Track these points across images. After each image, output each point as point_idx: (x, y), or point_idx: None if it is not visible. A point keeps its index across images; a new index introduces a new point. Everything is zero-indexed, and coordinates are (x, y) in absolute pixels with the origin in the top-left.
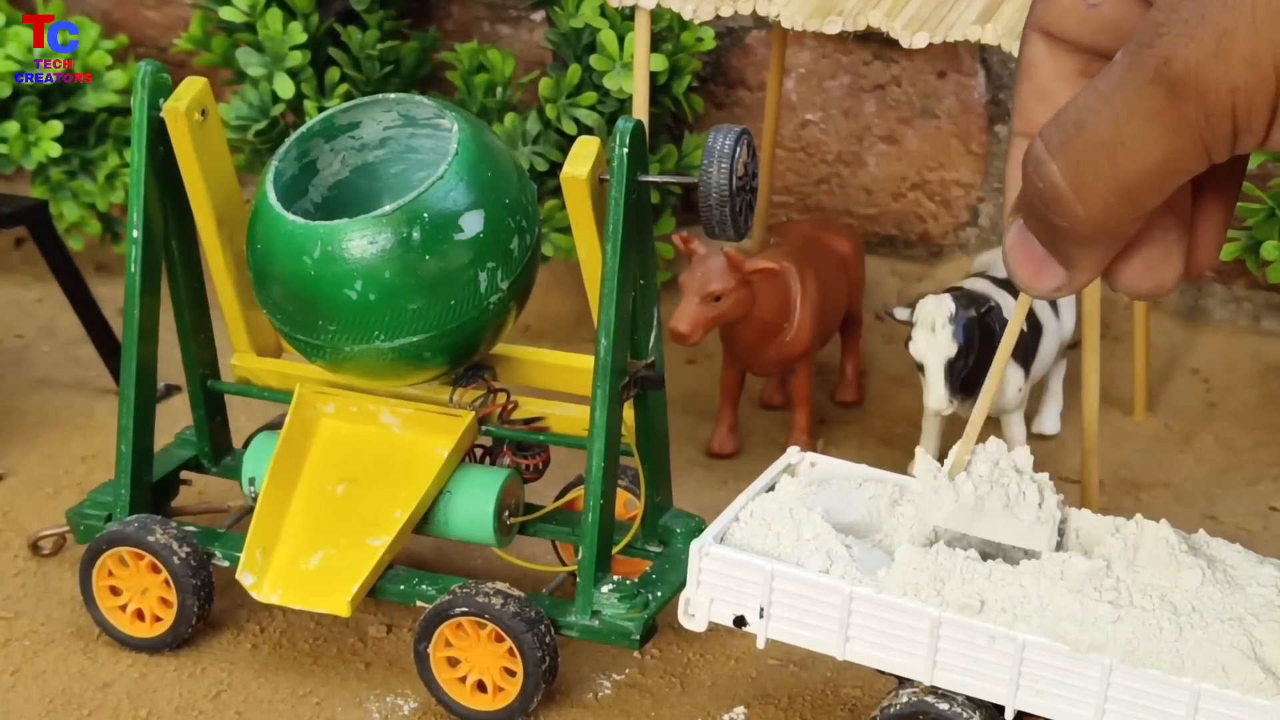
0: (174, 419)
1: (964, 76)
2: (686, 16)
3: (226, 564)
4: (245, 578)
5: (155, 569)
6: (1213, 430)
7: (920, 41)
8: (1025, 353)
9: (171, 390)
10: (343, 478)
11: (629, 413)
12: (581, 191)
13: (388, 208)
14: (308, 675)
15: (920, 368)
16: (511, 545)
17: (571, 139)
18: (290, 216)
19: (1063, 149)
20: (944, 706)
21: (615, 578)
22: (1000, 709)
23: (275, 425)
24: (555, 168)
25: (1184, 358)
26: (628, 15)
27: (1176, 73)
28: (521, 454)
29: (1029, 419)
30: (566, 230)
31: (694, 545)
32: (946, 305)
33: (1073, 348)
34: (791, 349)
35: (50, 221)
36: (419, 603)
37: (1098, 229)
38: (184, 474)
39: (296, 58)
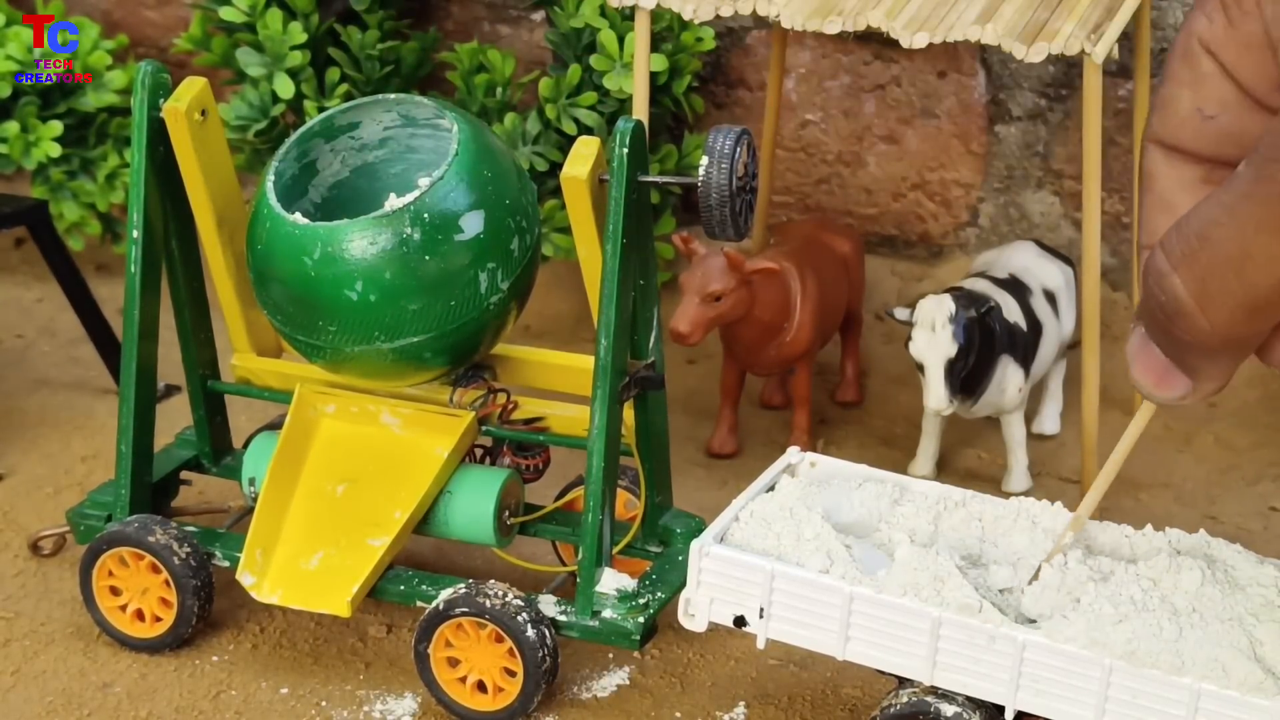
0: (174, 419)
1: (964, 76)
2: (686, 16)
3: (226, 564)
4: (245, 578)
5: (155, 569)
6: (1213, 430)
7: (920, 41)
8: (1025, 353)
9: (171, 390)
10: (343, 478)
11: (629, 413)
12: (581, 191)
13: (388, 208)
14: (308, 675)
15: (920, 368)
16: (511, 545)
17: (571, 139)
18: (290, 217)
19: (1185, 262)
20: (944, 706)
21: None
22: (1000, 709)
23: (275, 425)
24: (555, 168)
25: None
26: (628, 15)
27: None
28: (521, 454)
29: (1029, 419)
30: (566, 230)
31: (694, 545)
32: (946, 305)
33: (1073, 348)
34: (791, 349)
35: (50, 221)
36: (419, 603)
37: (1224, 342)
38: (184, 474)
39: (296, 58)
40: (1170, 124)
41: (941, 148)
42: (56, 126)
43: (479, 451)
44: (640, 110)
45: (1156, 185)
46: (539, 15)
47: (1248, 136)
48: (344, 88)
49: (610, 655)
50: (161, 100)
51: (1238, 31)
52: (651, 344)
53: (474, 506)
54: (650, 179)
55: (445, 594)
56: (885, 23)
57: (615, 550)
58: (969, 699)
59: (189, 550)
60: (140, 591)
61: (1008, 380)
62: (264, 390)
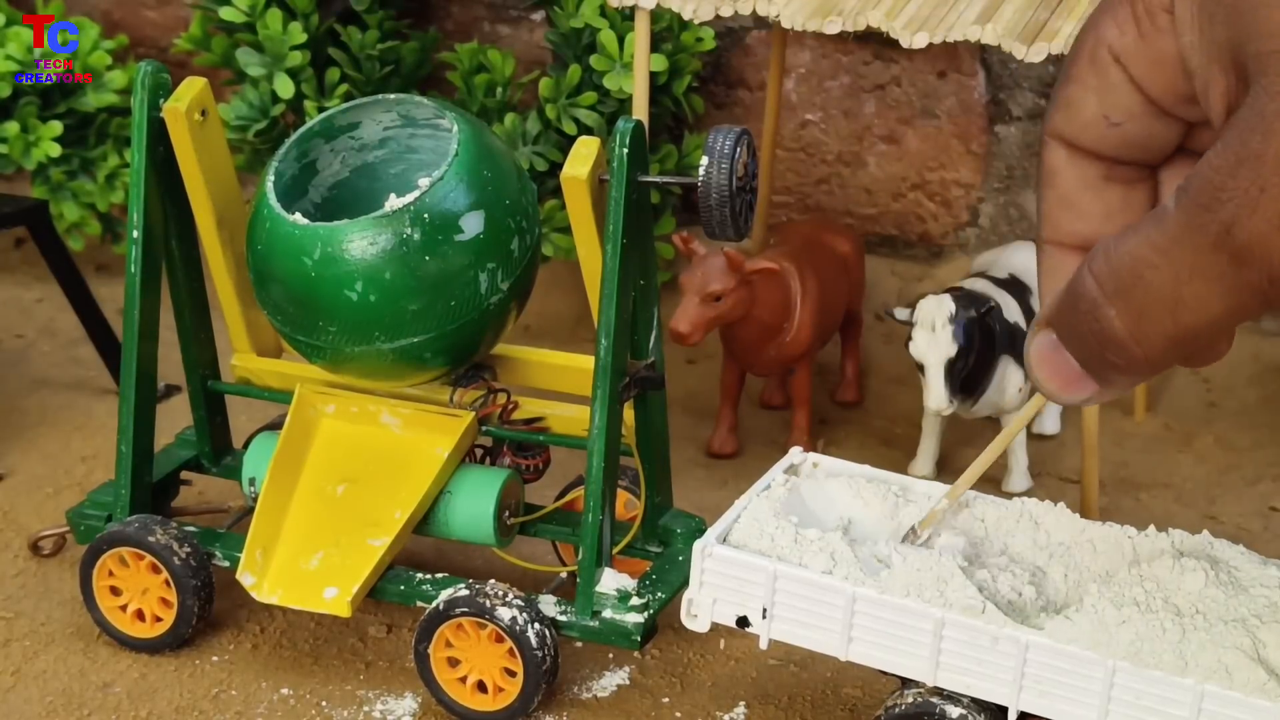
0: (174, 419)
1: (964, 76)
2: (686, 16)
3: (226, 564)
4: (245, 578)
5: (155, 569)
6: (1213, 430)
7: (920, 41)
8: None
9: (171, 390)
10: (343, 478)
11: (629, 413)
12: (581, 191)
13: (388, 208)
14: (308, 675)
15: (920, 368)
16: (511, 545)
17: (571, 139)
18: (290, 217)
19: (1120, 297)
20: (949, 707)
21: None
22: (1004, 710)
23: (275, 425)
24: (555, 168)
25: None
26: (628, 15)
27: (1240, 242)
28: (521, 454)
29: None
30: (566, 230)
31: (697, 545)
32: (946, 305)
33: None
34: (791, 349)
35: (50, 221)
36: (419, 603)
37: (1152, 366)
38: (184, 474)
39: (296, 58)
40: (1074, 125)
41: (941, 148)
42: (56, 126)
43: (479, 452)
44: (640, 110)
45: (1058, 182)
46: (539, 15)
47: (1153, 143)
48: (344, 88)
49: (610, 655)
50: (161, 100)
51: (1149, 46)
52: (651, 344)
53: (474, 506)
54: (650, 179)
55: (445, 594)
56: (885, 23)
57: (615, 550)
58: (973, 699)
59: (189, 550)
60: (140, 591)
61: (1008, 380)
62: (264, 390)
